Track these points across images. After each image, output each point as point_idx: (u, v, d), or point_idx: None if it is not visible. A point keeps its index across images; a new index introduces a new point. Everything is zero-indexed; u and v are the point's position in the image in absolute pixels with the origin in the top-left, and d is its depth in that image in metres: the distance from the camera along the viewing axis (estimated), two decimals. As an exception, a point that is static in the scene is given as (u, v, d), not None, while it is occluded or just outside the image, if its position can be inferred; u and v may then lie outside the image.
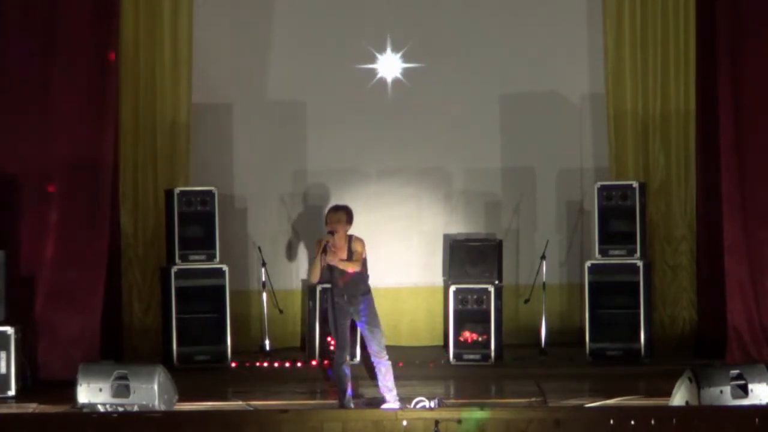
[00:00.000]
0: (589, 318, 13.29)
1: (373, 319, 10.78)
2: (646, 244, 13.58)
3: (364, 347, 11.47)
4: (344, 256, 10.71)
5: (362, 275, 10.77)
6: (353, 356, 12.48)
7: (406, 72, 14.48)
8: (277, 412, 9.76)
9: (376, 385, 10.88)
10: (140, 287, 13.74)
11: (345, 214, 10.83)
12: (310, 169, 14.60)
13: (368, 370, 12.15)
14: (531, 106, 14.61)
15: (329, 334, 13.22)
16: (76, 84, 12.44)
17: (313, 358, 13.35)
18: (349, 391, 10.70)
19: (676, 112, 14.03)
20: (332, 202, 14.27)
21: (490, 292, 13.26)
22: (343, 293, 10.73)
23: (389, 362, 10.78)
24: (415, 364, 13.16)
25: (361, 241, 10.82)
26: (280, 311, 13.87)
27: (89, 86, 12.48)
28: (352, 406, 10.63)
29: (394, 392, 10.73)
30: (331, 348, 13.13)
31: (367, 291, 10.80)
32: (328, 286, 13.36)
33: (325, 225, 10.88)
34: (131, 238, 13.74)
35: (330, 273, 10.76)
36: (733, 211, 12.76)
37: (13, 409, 11.17)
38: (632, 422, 9.38)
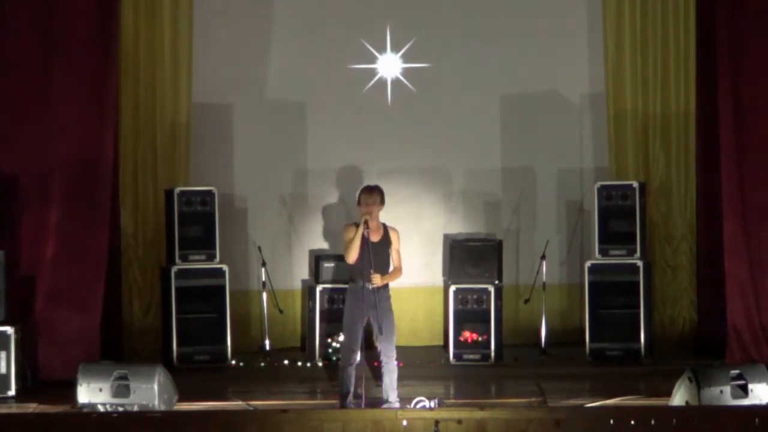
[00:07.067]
0: (589, 318, 13.29)
1: (392, 313, 10.73)
2: (646, 244, 13.58)
3: (365, 348, 11.40)
4: (378, 239, 10.63)
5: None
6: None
7: (406, 72, 14.48)
8: (277, 412, 9.75)
9: (379, 385, 10.86)
10: (140, 287, 13.73)
11: (379, 195, 10.73)
12: (310, 169, 14.58)
13: (371, 370, 12.14)
14: (531, 106, 14.60)
15: (329, 335, 13.23)
16: (76, 84, 12.44)
17: (314, 358, 13.34)
18: (354, 392, 10.61)
19: (676, 112, 14.03)
20: (333, 202, 14.34)
21: (490, 292, 13.25)
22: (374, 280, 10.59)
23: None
24: (415, 364, 13.15)
25: (397, 232, 10.80)
26: (281, 311, 13.86)
27: (89, 86, 12.48)
28: (353, 406, 10.61)
29: (396, 393, 10.70)
30: (330, 349, 13.19)
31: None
32: (329, 286, 13.46)
33: (358, 205, 10.82)
34: (131, 238, 13.73)
35: (360, 257, 10.59)
36: (733, 211, 12.74)
37: (13, 409, 11.16)
38: (632, 422, 9.38)
